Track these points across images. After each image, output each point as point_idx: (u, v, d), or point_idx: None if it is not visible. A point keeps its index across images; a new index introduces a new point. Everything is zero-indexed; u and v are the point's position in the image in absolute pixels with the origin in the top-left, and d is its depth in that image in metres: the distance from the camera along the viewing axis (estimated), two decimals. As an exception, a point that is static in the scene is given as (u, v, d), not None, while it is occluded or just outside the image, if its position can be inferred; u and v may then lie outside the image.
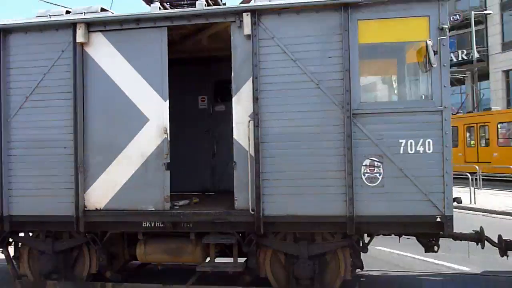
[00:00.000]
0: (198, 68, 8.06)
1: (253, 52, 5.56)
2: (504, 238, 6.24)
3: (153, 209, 5.85)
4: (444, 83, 5.26)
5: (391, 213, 5.34)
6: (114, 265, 6.61)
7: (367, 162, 5.37)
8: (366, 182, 5.37)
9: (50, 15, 6.37)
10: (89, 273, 6.30)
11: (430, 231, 5.63)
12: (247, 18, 5.56)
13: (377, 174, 5.35)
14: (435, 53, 5.07)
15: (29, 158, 6.13)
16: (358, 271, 6.95)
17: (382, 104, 5.49)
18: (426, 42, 5.03)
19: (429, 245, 6.12)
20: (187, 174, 7.51)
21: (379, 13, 5.40)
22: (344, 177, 5.35)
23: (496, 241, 6.24)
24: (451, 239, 6.31)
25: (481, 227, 6.35)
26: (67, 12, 6.45)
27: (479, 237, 6.23)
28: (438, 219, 5.24)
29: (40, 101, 6.12)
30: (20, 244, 6.56)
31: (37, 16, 6.46)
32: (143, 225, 5.95)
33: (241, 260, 5.99)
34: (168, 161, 5.85)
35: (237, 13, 5.65)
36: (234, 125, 5.71)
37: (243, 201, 5.61)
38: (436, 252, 6.26)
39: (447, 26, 5.21)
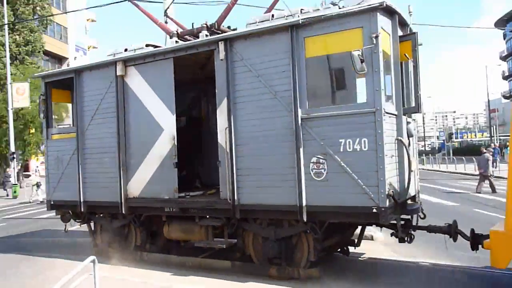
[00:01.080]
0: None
1: (227, 72, 6.91)
2: (477, 232, 6.23)
3: (167, 197, 7.68)
4: (376, 87, 5.78)
5: (335, 204, 6.09)
6: (156, 240, 8.64)
7: (314, 159, 6.22)
8: (314, 177, 6.22)
9: (114, 54, 8.71)
10: (135, 244, 8.47)
11: (368, 221, 6.14)
12: (221, 46, 6.94)
13: (323, 170, 6.16)
14: (362, 61, 5.65)
15: (93, 160, 8.60)
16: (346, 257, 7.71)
17: (325, 109, 6.19)
18: (351, 53, 5.65)
19: (402, 236, 6.54)
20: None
21: (321, 29, 6.19)
22: (296, 173, 6.30)
23: (469, 235, 6.28)
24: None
25: (454, 221, 6.46)
26: (125, 50, 8.65)
27: (449, 231, 6.37)
28: (374, 210, 5.80)
29: (100, 119, 8.52)
30: (93, 222, 9.15)
31: (107, 55, 8.89)
32: (165, 210, 7.84)
33: (233, 240, 7.39)
34: (176, 161, 7.60)
35: (216, 42, 7.06)
36: (218, 131, 7.13)
37: (225, 192, 7.01)
38: (409, 242, 6.63)
39: (376, 35, 5.73)
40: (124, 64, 8.14)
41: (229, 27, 8.26)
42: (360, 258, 8.11)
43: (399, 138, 6.25)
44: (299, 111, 6.28)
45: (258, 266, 7.04)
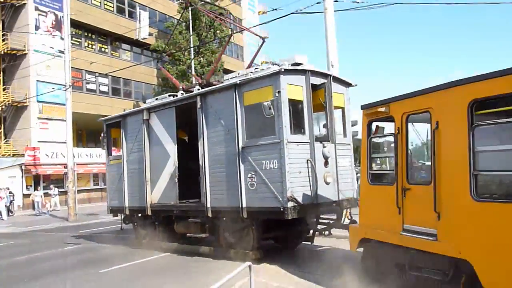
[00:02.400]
0: None
1: (201, 116, 10.10)
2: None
3: (173, 203, 11.03)
4: (280, 125, 8.49)
5: (261, 205, 8.85)
6: (171, 233, 11.95)
7: (249, 175, 9.06)
8: (249, 187, 9.05)
9: (150, 101, 12.47)
10: (158, 236, 11.90)
11: (278, 217, 8.66)
12: (198, 98, 10.19)
13: (254, 182, 8.96)
14: (270, 108, 8.38)
15: (132, 178, 12.37)
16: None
17: (254, 141, 8.96)
18: (262, 103, 8.43)
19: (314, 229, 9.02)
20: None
21: (251, 86, 9.12)
22: (239, 184, 9.17)
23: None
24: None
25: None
26: (155, 99, 12.33)
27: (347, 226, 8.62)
28: (281, 209, 8.42)
29: (135, 149, 12.30)
30: (134, 221, 12.84)
31: (145, 103, 12.72)
32: (174, 212, 11.18)
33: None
34: (177, 178, 10.92)
35: (196, 96, 10.32)
36: (199, 156, 10.28)
37: (203, 199, 10.11)
38: (326, 235, 9.03)
39: (278, 91, 8.45)
40: (148, 111, 11.82)
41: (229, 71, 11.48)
42: (317, 249, 10.48)
43: (308, 159, 8.78)
44: (240, 142, 9.20)
45: (224, 250, 9.97)
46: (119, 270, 9.79)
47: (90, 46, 35.20)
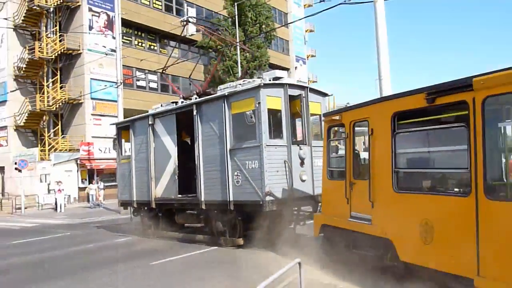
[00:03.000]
0: None
1: (197, 122, 11.75)
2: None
3: (173, 197, 12.71)
4: (260, 132, 10.05)
5: (245, 199, 10.42)
6: (172, 224, 13.62)
7: (235, 173, 10.64)
8: (236, 184, 10.63)
9: (155, 108, 14.21)
10: (161, 226, 13.58)
11: (259, 209, 10.19)
12: (194, 107, 11.83)
13: (239, 179, 10.55)
14: (251, 117, 9.96)
15: (138, 175, 14.11)
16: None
17: (239, 144, 10.53)
18: (245, 112, 10.02)
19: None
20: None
21: (237, 98, 10.72)
22: (227, 181, 10.77)
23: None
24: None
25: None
26: (161, 105, 14.09)
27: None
28: (261, 203, 9.97)
29: (142, 150, 14.02)
30: (141, 213, 14.58)
31: (150, 110, 14.46)
32: (174, 205, 12.86)
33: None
34: (177, 175, 12.59)
35: (192, 105, 11.97)
36: (195, 155, 11.91)
37: (198, 193, 11.75)
38: (302, 225, 10.55)
39: (259, 102, 10.02)
40: (153, 117, 13.53)
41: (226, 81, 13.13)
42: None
43: (285, 160, 10.32)
44: (228, 145, 10.80)
45: (215, 238, 11.57)
46: (169, 263, 10.06)
47: (140, 44, 36.95)
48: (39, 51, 31.73)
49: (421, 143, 7.23)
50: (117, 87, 24.23)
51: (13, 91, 32.62)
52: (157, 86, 37.36)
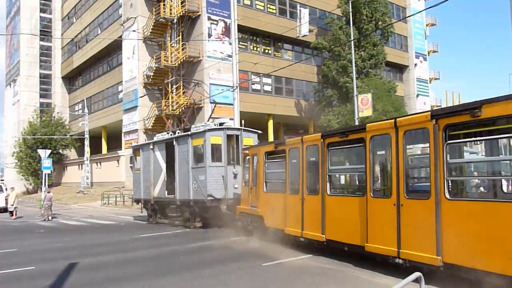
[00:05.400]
0: None
1: (176, 150, 18.73)
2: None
3: (163, 196, 19.80)
4: (206, 157, 16.89)
5: (198, 198, 17.28)
6: (166, 216, 20.60)
7: (193, 182, 17.53)
8: (194, 189, 17.54)
9: (158, 135, 21.25)
10: (158, 218, 20.63)
11: (205, 206, 16.96)
12: (174, 140, 18.86)
13: (196, 186, 17.42)
14: (201, 149, 16.87)
15: (144, 181, 21.27)
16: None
17: (196, 165, 17.30)
18: (197, 146, 16.95)
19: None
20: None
21: (196, 136, 17.66)
22: (189, 186, 17.70)
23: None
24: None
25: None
26: (166, 133, 21.14)
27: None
28: (205, 200, 16.81)
29: (146, 165, 21.12)
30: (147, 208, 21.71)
31: (155, 137, 21.54)
32: (164, 202, 19.92)
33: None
34: (166, 182, 19.58)
35: (172, 138, 18.96)
36: (175, 170, 18.84)
37: (176, 194, 18.73)
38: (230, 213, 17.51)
39: (205, 140, 16.91)
40: (153, 144, 20.62)
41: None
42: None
43: (223, 175, 17.08)
44: (190, 164, 17.69)
45: (185, 223, 18.51)
46: (273, 267, 9.88)
47: (254, 48, 38.17)
48: (164, 59, 34.68)
49: (275, 167, 14.04)
50: (233, 91, 25.99)
51: (141, 96, 36.27)
52: (271, 88, 38.43)
